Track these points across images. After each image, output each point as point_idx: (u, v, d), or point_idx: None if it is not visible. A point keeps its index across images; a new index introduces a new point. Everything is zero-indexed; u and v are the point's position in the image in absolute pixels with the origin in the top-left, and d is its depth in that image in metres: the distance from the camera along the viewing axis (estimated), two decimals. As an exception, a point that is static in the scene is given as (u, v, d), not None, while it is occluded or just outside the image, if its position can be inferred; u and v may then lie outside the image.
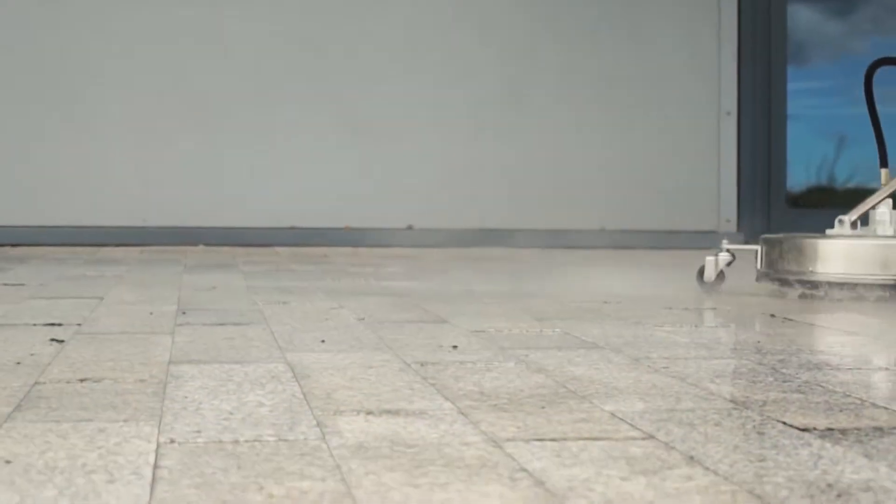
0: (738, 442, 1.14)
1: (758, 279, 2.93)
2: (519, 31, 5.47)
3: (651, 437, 1.15)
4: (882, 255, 2.71)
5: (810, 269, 2.77)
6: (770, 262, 2.88)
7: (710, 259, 2.91)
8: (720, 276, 2.91)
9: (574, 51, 5.52)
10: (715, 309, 2.57)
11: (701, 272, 2.92)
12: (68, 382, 1.44)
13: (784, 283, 2.83)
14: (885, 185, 2.91)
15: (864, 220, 2.87)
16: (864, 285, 2.69)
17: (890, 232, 2.83)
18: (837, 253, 2.76)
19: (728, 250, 2.92)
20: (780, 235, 2.93)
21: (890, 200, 2.85)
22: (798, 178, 5.93)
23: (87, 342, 1.81)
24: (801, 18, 6.16)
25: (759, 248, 2.93)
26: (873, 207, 2.86)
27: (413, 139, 5.36)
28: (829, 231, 2.88)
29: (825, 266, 2.76)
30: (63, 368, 1.55)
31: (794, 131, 5.70)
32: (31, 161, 5.09)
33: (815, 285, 2.76)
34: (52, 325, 2.04)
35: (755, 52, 5.62)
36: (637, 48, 5.56)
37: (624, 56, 5.55)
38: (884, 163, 3.00)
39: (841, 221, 2.86)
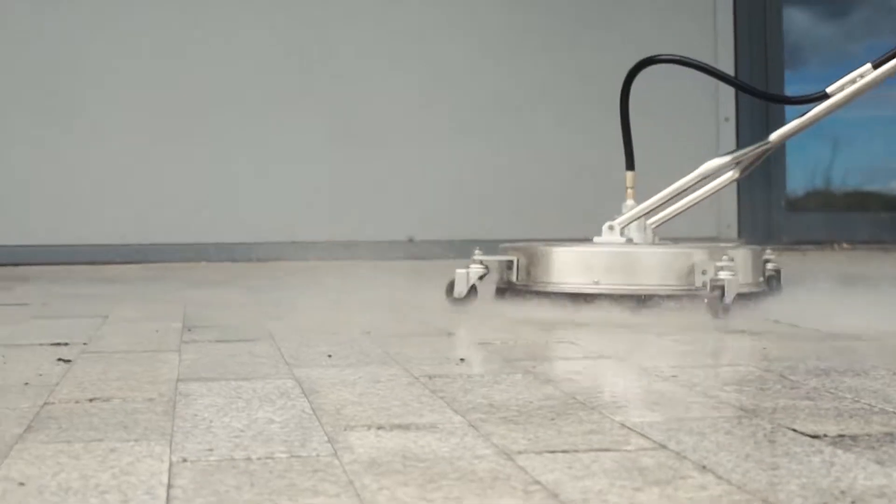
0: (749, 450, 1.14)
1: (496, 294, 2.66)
2: (513, 38, 5.48)
3: (662, 446, 1.16)
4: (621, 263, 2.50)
5: (545, 279, 2.54)
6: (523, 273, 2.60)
7: (460, 272, 2.60)
8: (472, 290, 2.58)
9: (568, 59, 5.52)
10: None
11: (450, 287, 2.61)
12: (77, 402, 1.44)
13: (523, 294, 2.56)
14: (630, 187, 2.88)
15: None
16: (604, 296, 2.44)
17: (641, 239, 2.70)
18: (576, 262, 2.54)
19: (481, 262, 2.61)
20: (525, 244, 2.67)
21: (635, 203, 2.78)
22: (797, 182, 5.92)
23: (95, 361, 1.81)
24: (797, 22, 6.17)
25: (514, 258, 2.61)
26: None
27: (411, 152, 5.36)
28: (595, 238, 2.72)
29: (561, 276, 2.52)
30: (72, 388, 1.55)
31: (803, 141, 5.71)
32: (29, 181, 5.09)
33: (549, 296, 2.50)
34: (59, 344, 2.04)
35: (752, 57, 5.63)
36: (634, 54, 5.56)
37: (621, 62, 5.54)
38: (630, 166, 3.04)
39: (611, 227, 2.73)
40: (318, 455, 1.13)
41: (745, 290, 2.42)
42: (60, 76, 5.14)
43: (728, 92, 5.57)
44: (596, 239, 2.71)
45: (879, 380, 1.57)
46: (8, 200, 5.07)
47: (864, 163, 5.92)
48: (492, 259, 2.63)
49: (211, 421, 1.30)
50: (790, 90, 5.69)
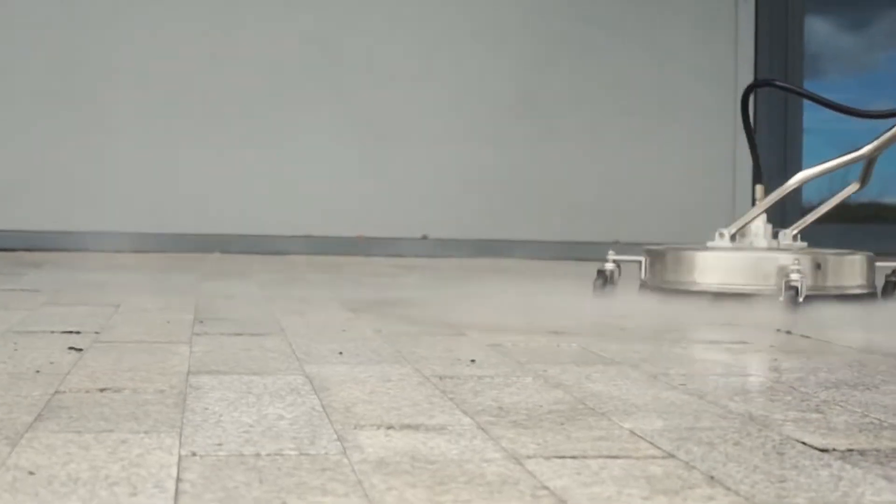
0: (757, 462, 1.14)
1: (640, 288, 3.05)
2: (535, 43, 5.48)
3: (671, 455, 1.16)
4: (756, 266, 2.83)
5: (689, 279, 2.91)
6: (653, 272, 3.02)
7: (605, 268, 3.09)
8: (610, 283, 3.08)
9: (590, 64, 5.52)
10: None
11: (598, 282, 3.09)
12: (88, 392, 1.44)
13: (665, 292, 2.93)
14: (760, 200, 3.11)
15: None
16: (741, 295, 2.79)
17: (763, 244, 2.98)
18: (716, 264, 2.89)
19: (614, 261, 3.10)
20: (662, 247, 3.06)
21: (765, 215, 3.03)
22: (813, 192, 5.91)
23: (106, 351, 1.82)
24: (818, 32, 6.16)
25: (642, 259, 3.07)
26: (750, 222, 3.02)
27: (428, 149, 5.37)
28: (709, 243, 3.01)
29: (703, 276, 2.89)
30: (83, 377, 1.55)
31: (809, 144, 5.70)
32: (45, 166, 5.10)
33: (693, 295, 2.85)
34: (70, 332, 2.05)
35: (772, 66, 5.62)
36: (655, 62, 5.56)
37: (641, 69, 5.55)
38: (758, 179, 3.23)
39: (721, 234, 3.00)
40: (327, 453, 1.13)
41: (834, 292, 2.81)
42: (79, 66, 5.15)
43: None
44: (708, 244, 3.03)
45: None
46: (22, 186, 5.08)
47: (881, 173, 5.91)
48: (623, 259, 3.11)
49: (221, 415, 1.31)
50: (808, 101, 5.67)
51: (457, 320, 2.39)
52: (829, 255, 2.86)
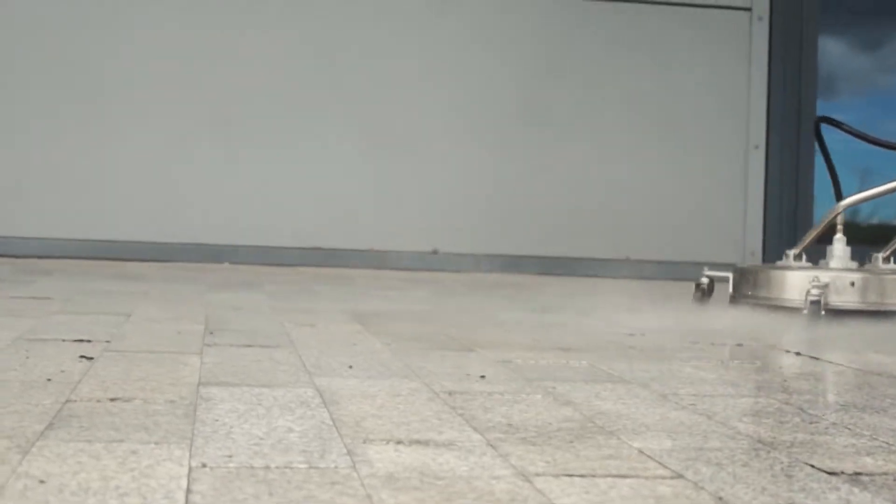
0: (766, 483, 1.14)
1: (730, 301, 3.48)
2: (544, 57, 5.48)
3: (679, 475, 1.16)
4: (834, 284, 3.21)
5: (770, 294, 3.34)
6: (736, 287, 3.49)
7: (702, 281, 3.62)
8: (707, 295, 3.61)
9: (600, 79, 5.53)
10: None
11: (696, 293, 3.62)
12: (99, 401, 1.45)
13: (753, 306, 3.36)
14: (840, 224, 3.44)
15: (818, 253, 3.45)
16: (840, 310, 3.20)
17: (839, 265, 3.35)
18: (790, 282, 3.29)
19: (708, 276, 3.63)
20: (747, 265, 3.59)
21: (844, 238, 3.39)
22: (824, 212, 5.91)
23: (117, 360, 1.82)
24: (831, 52, 6.16)
25: (731, 275, 3.53)
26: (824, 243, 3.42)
27: (439, 163, 5.37)
28: (777, 262, 3.46)
29: (781, 292, 3.31)
30: (93, 387, 1.56)
31: (820, 165, 5.69)
32: (56, 174, 5.12)
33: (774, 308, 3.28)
34: (81, 341, 2.06)
35: (785, 86, 5.62)
36: (666, 80, 5.57)
37: (652, 86, 5.55)
38: (839, 198, 3.53)
39: (787, 255, 3.41)
40: (336, 467, 1.13)
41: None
42: (90, 73, 5.17)
43: (758, 119, 5.57)
44: (778, 263, 3.46)
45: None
46: (32, 193, 5.10)
47: (892, 196, 5.90)
48: (715, 275, 3.63)
49: (231, 427, 1.31)
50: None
51: (472, 337, 2.39)
52: None
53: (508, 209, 5.41)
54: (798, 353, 2.35)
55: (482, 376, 1.80)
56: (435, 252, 5.32)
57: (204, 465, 1.12)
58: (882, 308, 3.21)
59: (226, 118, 5.25)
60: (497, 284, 4.45)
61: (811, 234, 3.43)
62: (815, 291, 3.14)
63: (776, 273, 3.33)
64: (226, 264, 4.97)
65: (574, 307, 3.40)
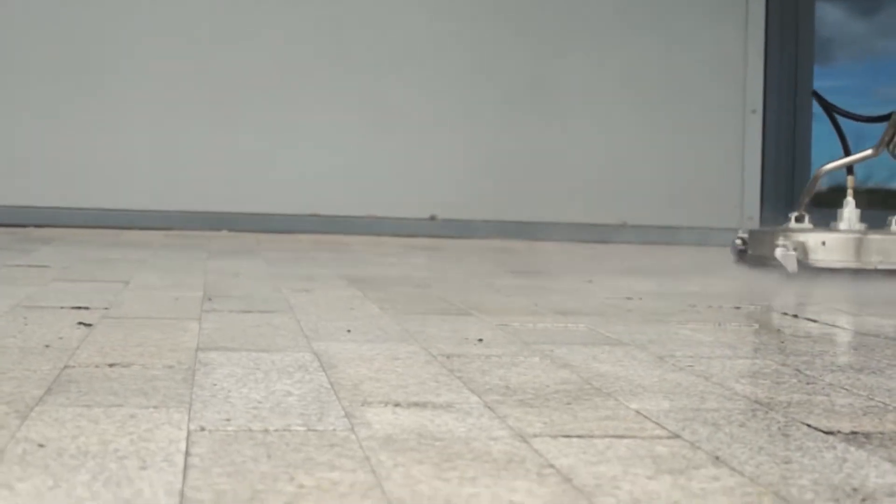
0: (763, 443, 1.15)
1: (736, 261, 3.77)
2: (545, 26, 5.47)
3: (677, 436, 1.16)
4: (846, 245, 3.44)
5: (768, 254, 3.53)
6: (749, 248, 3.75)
7: (736, 242, 3.82)
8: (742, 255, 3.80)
9: (600, 46, 5.52)
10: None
11: (735, 253, 3.81)
12: (97, 367, 1.45)
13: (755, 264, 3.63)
14: (850, 188, 3.66)
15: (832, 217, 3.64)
16: (821, 269, 3.41)
17: (852, 227, 3.54)
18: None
19: (742, 238, 3.81)
20: (757, 229, 3.91)
21: (853, 201, 3.61)
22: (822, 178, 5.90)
23: (115, 326, 1.82)
24: (828, 17, 6.15)
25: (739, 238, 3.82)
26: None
27: (438, 130, 5.37)
28: (783, 225, 3.63)
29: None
30: (92, 353, 1.56)
31: (818, 130, 5.69)
32: (55, 143, 5.11)
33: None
34: (79, 308, 2.06)
35: (782, 51, 5.61)
36: (664, 46, 5.56)
37: (650, 53, 5.55)
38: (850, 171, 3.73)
39: (790, 217, 3.62)
40: (334, 430, 1.13)
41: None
42: (91, 42, 5.15)
43: (755, 84, 5.56)
44: (782, 226, 3.63)
45: (896, 379, 1.57)
46: (32, 162, 5.09)
47: (888, 160, 5.90)
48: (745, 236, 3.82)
49: (229, 391, 1.31)
50: (817, 86, 5.67)
51: (473, 302, 2.39)
52: None
53: (507, 175, 5.41)
54: (795, 316, 2.35)
55: (480, 340, 1.80)
56: (433, 218, 5.32)
57: (202, 429, 1.12)
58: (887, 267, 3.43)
59: (225, 87, 5.24)
60: (496, 250, 4.45)
61: (804, 199, 3.66)
62: (779, 251, 3.38)
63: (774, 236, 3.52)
64: (224, 232, 4.97)
65: (573, 272, 3.40)
